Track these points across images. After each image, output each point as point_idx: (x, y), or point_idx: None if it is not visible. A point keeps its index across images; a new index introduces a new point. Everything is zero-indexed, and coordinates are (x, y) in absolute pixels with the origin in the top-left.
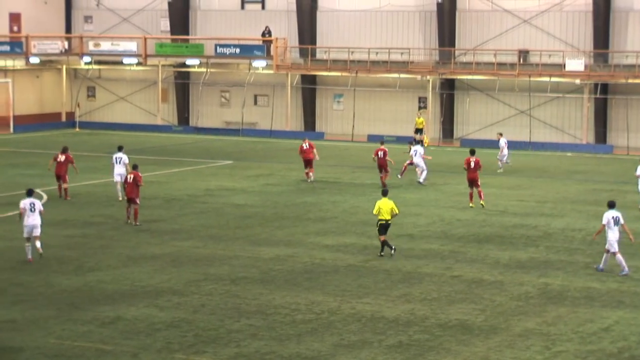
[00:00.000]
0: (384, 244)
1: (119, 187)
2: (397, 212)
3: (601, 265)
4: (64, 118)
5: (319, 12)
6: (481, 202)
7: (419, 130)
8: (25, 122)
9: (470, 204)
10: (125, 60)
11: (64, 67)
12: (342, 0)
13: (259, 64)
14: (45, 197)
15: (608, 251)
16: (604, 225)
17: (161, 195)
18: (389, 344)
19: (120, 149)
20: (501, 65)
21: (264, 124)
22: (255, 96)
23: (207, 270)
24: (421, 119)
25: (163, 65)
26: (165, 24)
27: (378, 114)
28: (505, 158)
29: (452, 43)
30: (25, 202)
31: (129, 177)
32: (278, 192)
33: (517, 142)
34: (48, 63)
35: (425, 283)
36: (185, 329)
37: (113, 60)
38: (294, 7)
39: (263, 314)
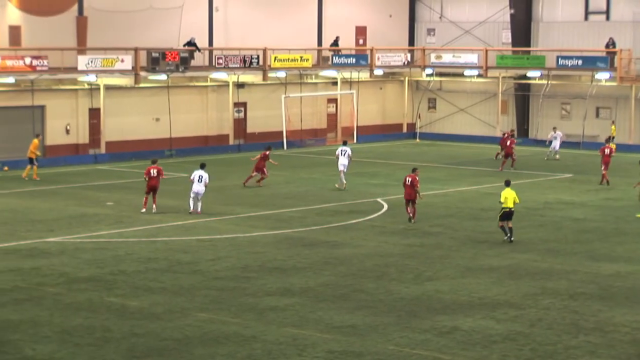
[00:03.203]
0: (505, 229)
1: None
2: (518, 200)
3: None
4: (404, 129)
5: None
6: None
7: (611, 138)
8: (368, 133)
9: None
10: (466, 72)
11: (406, 78)
12: None
13: (602, 75)
14: (385, 206)
15: None
16: None
17: (498, 207)
18: None
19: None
20: None
21: (605, 137)
22: (597, 108)
23: (545, 284)
24: (613, 127)
25: (503, 77)
26: (507, 36)
27: None
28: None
29: None
30: (195, 174)
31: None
32: (619, 206)
33: None
34: (391, 75)
35: None
36: (522, 343)
37: (454, 72)
38: (639, 17)
39: (602, 331)
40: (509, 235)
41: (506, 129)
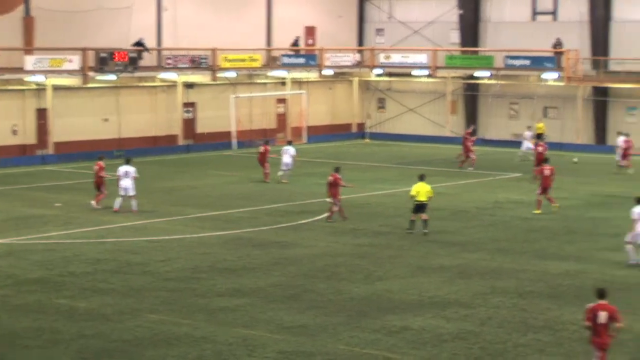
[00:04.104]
0: (413, 223)
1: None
2: (432, 195)
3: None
4: (354, 129)
5: (612, 22)
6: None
7: (539, 136)
8: (318, 133)
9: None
10: (415, 72)
11: (356, 79)
12: (636, 11)
13: (550, 76)
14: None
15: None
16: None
17: (449, 206)
18: None
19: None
20: None
21: (553, 137)
22: (545, 108)
23: (495, 283)
24: (541, 124)
25: (452, 77)
26: (456, 36)
27: None
28: None
29: None
30: (120, 169)
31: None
32: (567, 206)
33: None
34: (340, 75)
35: None
36: (472, 342)
37: (403, 72)
38: (586, 17)
39: (551, 329)
40: (423, 232)
41: (456, 129)
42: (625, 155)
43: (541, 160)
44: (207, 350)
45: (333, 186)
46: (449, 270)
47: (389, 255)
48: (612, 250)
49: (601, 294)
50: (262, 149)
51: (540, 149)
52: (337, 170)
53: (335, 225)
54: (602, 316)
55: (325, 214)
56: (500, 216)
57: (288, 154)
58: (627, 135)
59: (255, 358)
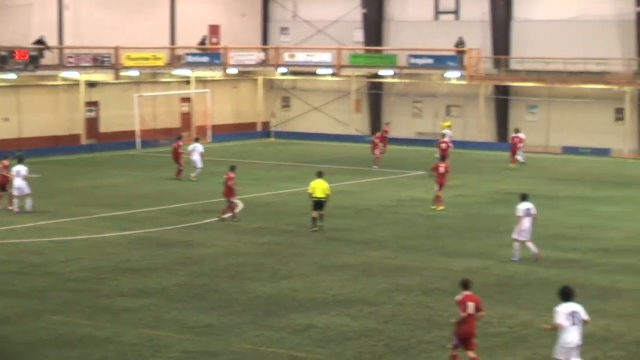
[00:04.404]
0: (315, 220)
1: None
2: (329, 192)
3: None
4: (259, 128)
5: (513, 22)
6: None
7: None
8: (223, 132)
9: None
10: (320, 71)
11: (261, 77)
12: (537, 11)
13: (452, 74)
14: (240, 205)
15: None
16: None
17: (353, 205)
18: None
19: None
20: None
21: (456, 135)
22: (448, 107)
23: (399, 281)
24: (447, 123)
25: (357, 76)
26: (359, 35)
27: (573, 125)
28: None
29: None
30: (13, 169)
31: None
32: (470, 203)
33: None
34: (245, 74)
35: (622, 299)
36: (376, 339)
37: (308, 71)
38: (487, 17)
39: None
40: (319, 225)
41: (360, 127)
42: (514, 151)
43: (445, 157)
44: (111, 351)
45: (226, 185)
46: (353, 268)
47: (294, 254)
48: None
49: (466, 284)
50: (174, 144)
51: (443, 145)
52: (232, 169)
53: (240, 224)
54: (471, 306)
55: (228, 214)
56: (403, 214)
57: (196, 151)
58: (517, 131)
59: (160, 358)
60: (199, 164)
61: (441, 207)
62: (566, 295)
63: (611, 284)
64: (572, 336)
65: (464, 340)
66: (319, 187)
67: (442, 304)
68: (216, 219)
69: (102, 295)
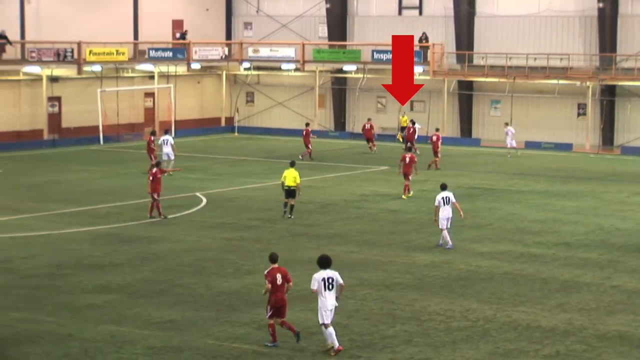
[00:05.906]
0: (286, 205)
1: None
2: (299, 181)
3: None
4: (223, 123)
5: (476, 17)
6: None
7: (403, 129)
8: (186, 127)
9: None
10: (284, 66)
11: (224, 72)
12: (500, 6)
13: (416, 69)
14: (204, 200)
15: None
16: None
17: (317, 200)
18: (546, 353)
19: (167, 132)
20: None
21: (420, 130)
22: (412, 102)
23: (362, 275)
24: (405, 118)
25: (320, 71)
26: (323, 30)
27: (535, 120)
28: None
29: (613, 48)
30: None
31: None
32: (433, 198)
33: None
34: (209, 69)
35: (583, 292)
36: (340, 334)
37: (272, 66)
38: (451, 12)
39: (418, 320)
40: (286, 211)
41: (324, 122)
42: (434, 149)
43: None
44: (74, 348)
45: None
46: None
47: (258, 249)
48: (476, 241)
49: (274, 259)
50: (148, 139)
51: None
52: (157, 164)
53: (204, 219)
54: (279, 277)
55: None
56: (367, 209)
57: (168, 144)
58: (437, 130)
59: (123, 354)
60: (172, 156)
61: (410, 194)
62: (322, 263)
63: (573, 278)
64: (329, 301)
65: (278, 308)
66: (289, 176)
67: (405, 299)
68: (163, 217)
69: (63, 291)
